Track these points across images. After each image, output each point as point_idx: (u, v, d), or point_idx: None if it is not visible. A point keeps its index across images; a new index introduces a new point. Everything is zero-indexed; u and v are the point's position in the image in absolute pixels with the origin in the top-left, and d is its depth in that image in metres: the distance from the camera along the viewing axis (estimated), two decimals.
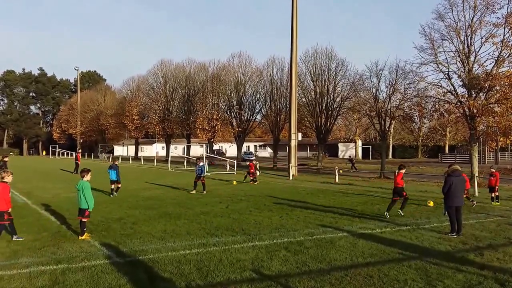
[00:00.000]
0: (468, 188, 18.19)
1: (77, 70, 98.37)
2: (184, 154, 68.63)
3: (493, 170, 19.27)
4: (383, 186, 26.71)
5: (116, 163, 22.26)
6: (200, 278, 7.90)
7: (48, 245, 10.35)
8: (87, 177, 11.47)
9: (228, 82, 58.35)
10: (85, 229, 11.30)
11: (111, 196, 20.55)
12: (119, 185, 21.68)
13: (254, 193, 22.38)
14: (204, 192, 22.16)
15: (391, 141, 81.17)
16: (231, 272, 8.25)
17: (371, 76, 37.75)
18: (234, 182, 28.31)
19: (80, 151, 51.41)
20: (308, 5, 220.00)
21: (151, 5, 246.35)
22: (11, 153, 26.10)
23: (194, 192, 22.24)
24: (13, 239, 10.84)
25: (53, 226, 12.93)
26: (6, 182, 11.05)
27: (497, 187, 18.74)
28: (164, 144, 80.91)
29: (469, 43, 29.23)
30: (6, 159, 23.74)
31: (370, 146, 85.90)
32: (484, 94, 29.06)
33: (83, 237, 11.11)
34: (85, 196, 11.12)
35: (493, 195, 18.61)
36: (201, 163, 23.42)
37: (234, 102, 57.60)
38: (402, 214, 15.06)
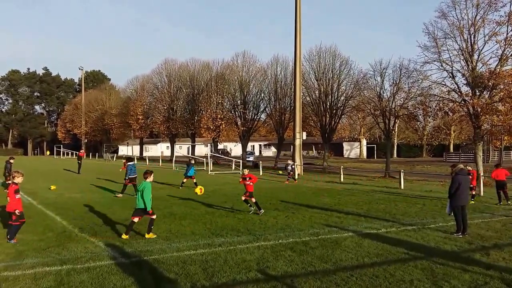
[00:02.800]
0: (474, 186, 19.03)
1: (82, 69, 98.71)
2: (189, 154, 68.67)
3: (469, 168, 19.48)
4: (388, 185, 26.66)
5: (192, 162, 26.13)
6: (206, 279, 7.90)
7: (53, 246, 10.36)
8: (150, 178, 11.78)
9: (232, 81, 58.26)
10: (131, 228, 11.58)
11: (180, 188, 23.91)
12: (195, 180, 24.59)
13: (259, 193, 22.35)
14: (119, 195, 20.47)
15: (395, 140, 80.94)
16: (236, 273, 8.25)
17: (375, 75, 37.66)
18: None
19: (81, 151, 51.55)
20: (311, 4, 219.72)
21: (154, 6, 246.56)
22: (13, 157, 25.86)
23: (120, 195, 20.49)
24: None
25: (58, 226, 12.95)
26: (16, 183, 11.12)
27: (475, 186, 19.18)
28: (168, 144, 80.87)
29: (472, 41, 29.11)
30: (12, 160, 23.77)
31: (375, 145, 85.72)
32: (488, 93, 28.94)
33: (149, 235, 11.43)
34: (144, 197, 11.34)
35: (472, 193, 18.82)
36: (129, 163, 21.62)
37: (239, 101, 57.51)
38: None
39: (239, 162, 42.65)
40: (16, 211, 10.73)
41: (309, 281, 7.77)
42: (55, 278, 7.91)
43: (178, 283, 7.70)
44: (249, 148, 72.50)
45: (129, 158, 22.83)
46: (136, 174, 21.22)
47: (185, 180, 24.69)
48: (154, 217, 11.62)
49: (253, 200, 15.62)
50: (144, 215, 11.56)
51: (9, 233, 10.90)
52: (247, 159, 56.90)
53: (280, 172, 38.85)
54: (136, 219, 11.51)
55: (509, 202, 18.25)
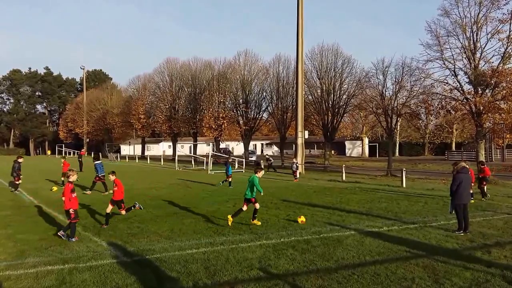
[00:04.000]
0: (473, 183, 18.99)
1: (83, 69, 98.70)
2: (191, 153, 68.67)
3: None
4: (390, 184, 26.63)
5: (230, 160, 27.96)
6: (208, 277, 7.91)
7: (55, 245, 10.39)
8: (259, 174, 13.27)
9: (234, 80, 58.20)
10: (255, 215, 13.14)
11: (221, 184, 25.62)
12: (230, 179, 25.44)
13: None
14: (106, 192, 20.92)
15: (397, 139, 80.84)
16: (238, 271, 8.26)
17: (377, 73, 37.63)
18: (54, 188, 23.25)
19: (82, 149, 51.92)
20: (313, 3, 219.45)
21: (155, 5, 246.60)
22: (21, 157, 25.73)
23: (89, 192, 21.37)
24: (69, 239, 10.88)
25: (60, 225, 12.96)
26: (71, 182, 11.25)
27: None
28: (170, 143, 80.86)
29: (475, 39, 29.10)
30: (20, 160, 23.53)
31: (377, 144, 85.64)
32: (491, 91, 28.91)
33: (254, 222, 13.04)
34: (256, 186, 12.82)
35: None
36: (97, 162, 22.36)
37: (241, 100, 57.46)
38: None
39: (242, 161, 42.60)
40: (70, 210, 10.87)
41: (311, 279, 7.78)
42: (57, 277, 7.93)
43: (180, 282, 7.72)
44: (251, 147, 72.45)
45: (97, 157, 24.10)
46: (104, 173, 21.74)
47: (229, 179, 25.29)
48: (257, 206, 13.01)
49: (109, 209, 12.99)
50: (249, 204, 13.02)
51: (71, 232, 11.02)
52: (249, 158, 56.90)
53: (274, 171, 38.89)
54: (244, 208, 13.08)
55: (485, 198, 19.25)
